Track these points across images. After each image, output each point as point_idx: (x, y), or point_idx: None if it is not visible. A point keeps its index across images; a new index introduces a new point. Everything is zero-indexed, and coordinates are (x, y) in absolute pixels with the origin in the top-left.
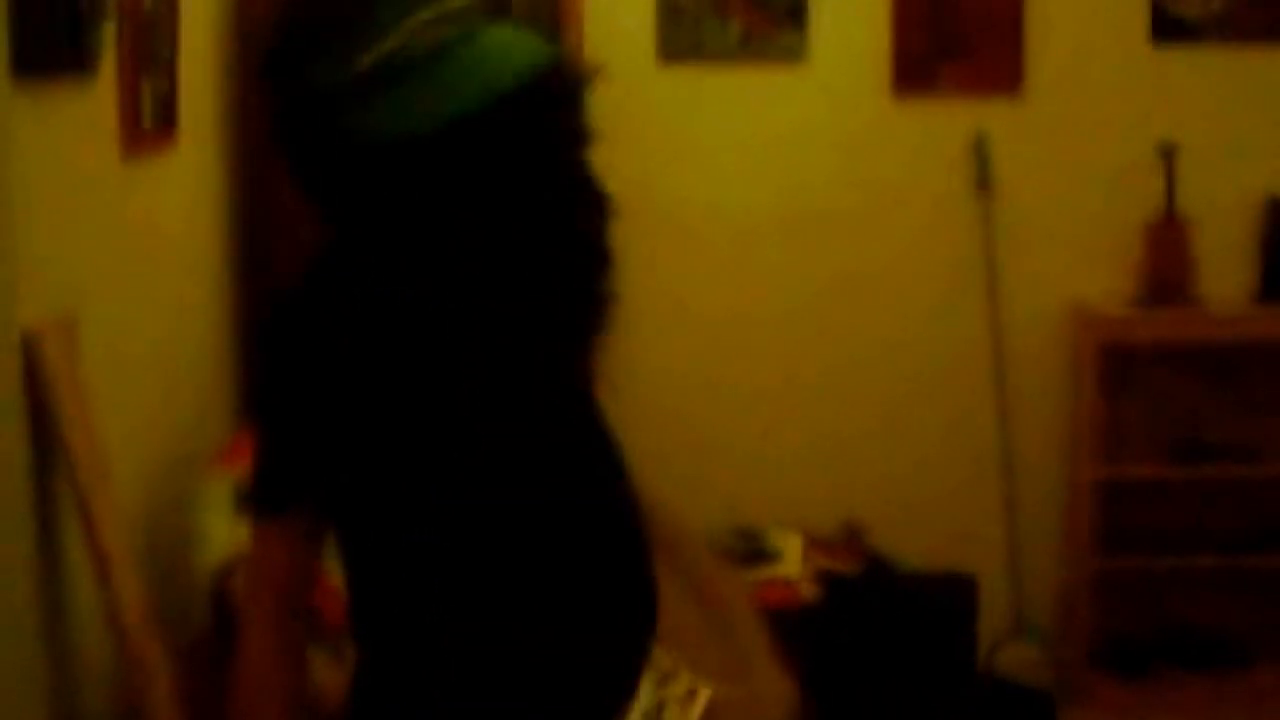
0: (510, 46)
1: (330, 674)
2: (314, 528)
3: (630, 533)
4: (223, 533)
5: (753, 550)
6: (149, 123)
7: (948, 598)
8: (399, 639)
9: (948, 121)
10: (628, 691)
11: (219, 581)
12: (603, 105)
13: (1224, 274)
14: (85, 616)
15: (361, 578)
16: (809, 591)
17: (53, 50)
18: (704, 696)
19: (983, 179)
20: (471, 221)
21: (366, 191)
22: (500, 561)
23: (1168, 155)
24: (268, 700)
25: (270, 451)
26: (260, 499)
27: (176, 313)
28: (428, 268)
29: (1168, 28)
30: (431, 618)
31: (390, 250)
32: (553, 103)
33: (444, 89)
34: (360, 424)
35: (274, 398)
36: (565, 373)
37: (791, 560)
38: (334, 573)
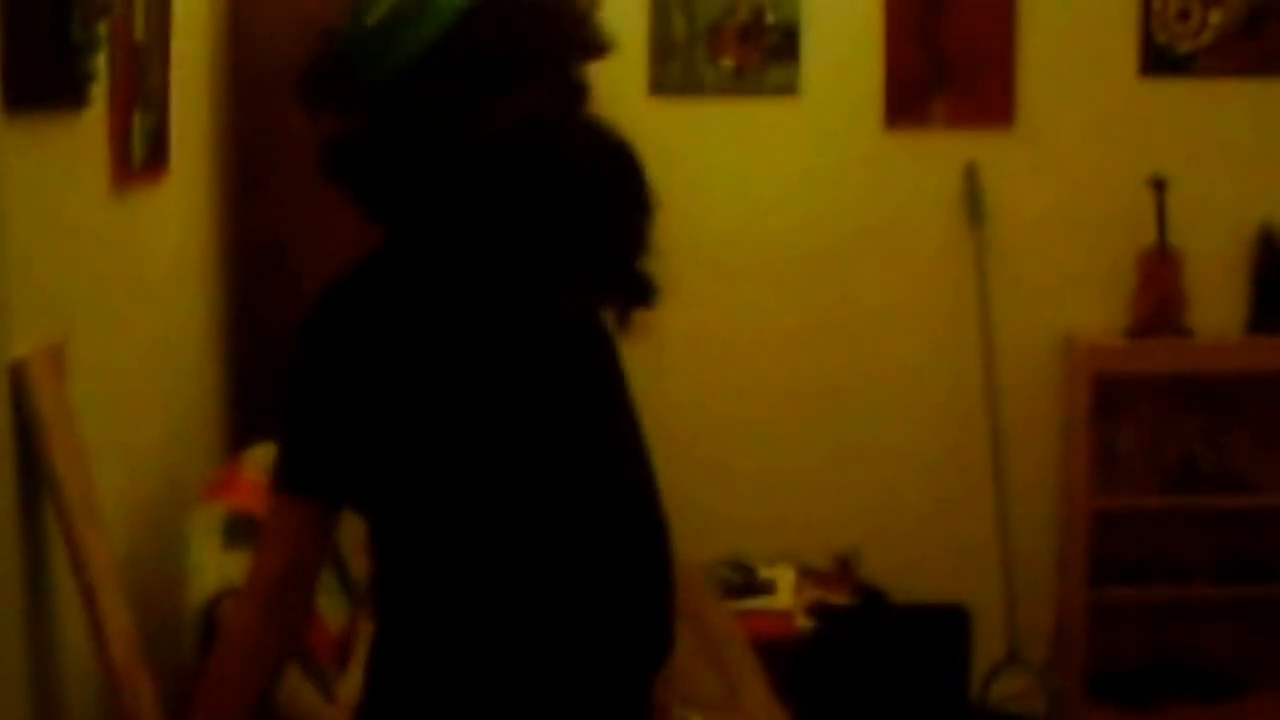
0: None
1: (317, 704)
2: (329, 510)
3: (653, 547)
4: (211, 565)
5: (745, 582)
6: (139, 155)
7: (941, 629)
8: (415, 621)
9: (940, 154)
10: (639, 707)
11: (207, 614)
12: None
13: (1215, 305)
14: (72, 648)
15: (385, 559)
16: (802, 623)
17: (44, 82)
18: None
19: (975, 211)
20: (500, 196)
21: (400, 144)
22: (517, 566)
23: (1159, 187)
24: (249, 660)
25: (298, 431)
26: (283, 474)
27: (166, 345)
28: (462, 267)
29: (1158, 60)
30: (446, 609)
31: (428, 246)
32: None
33: (429, 19)
34: (388, 418)
35: (308, 381)
36: (597, 381)
37: (784, 592)
38: (324, 607)
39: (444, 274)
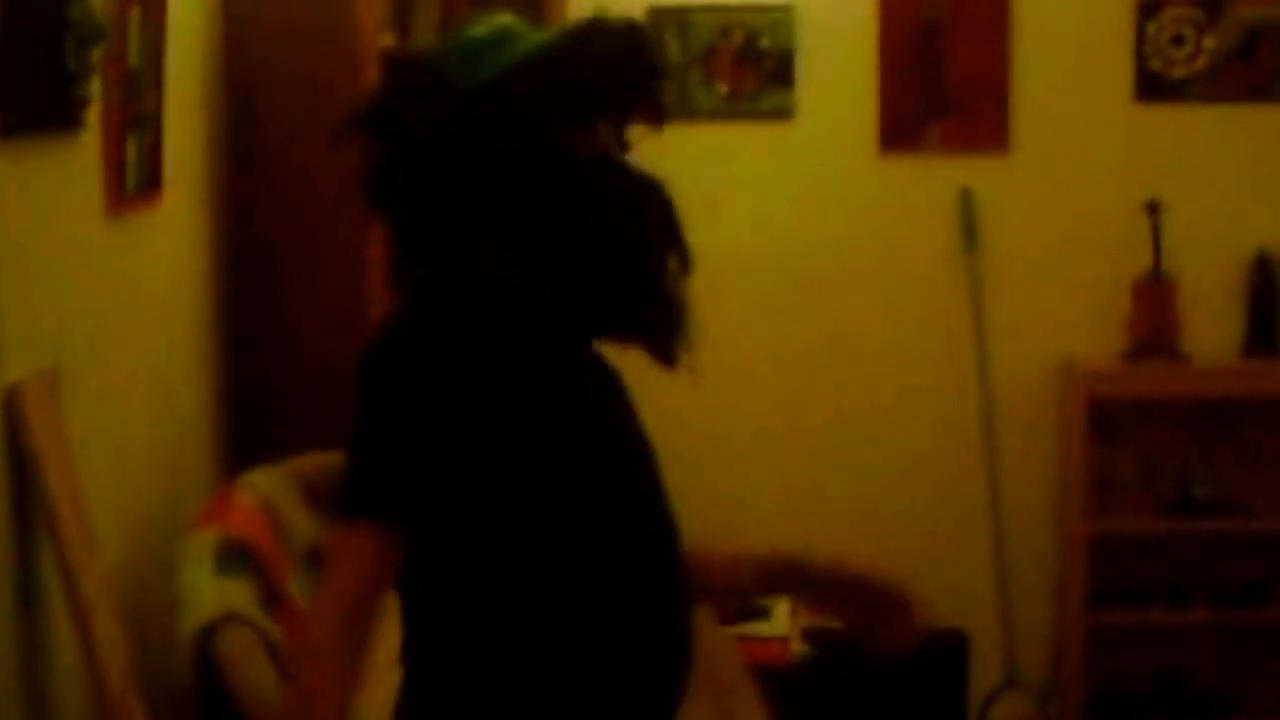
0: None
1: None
2: (396, 539)
3: (684, 581)
4: (204, 591)
5: (741, 607)
6: (134, 180)
7: (939, 653)
8: (446, 668)
9: (935, 179)
10: None
11: (202, 642)
12: None
13: (1211, 329)
14: (66, 675)
15: (418, 601)
16: (798, 648)
17: (38, 107)
18: None
19: (970, 236)
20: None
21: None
22: (560, 606)
23: (1154, 212)
24: (333, 679)
25: (371, 455)
26: (355, 498)
27: (160, 370)
28: (520, 305)
29: (1152, 86)
30: (483, 652)
31: (481, 280)
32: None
33: (534, 39)
34: (456, 449)
35: (382, 411)
36: (631, 416)
37: (780, 617)
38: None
39: (504, 313)
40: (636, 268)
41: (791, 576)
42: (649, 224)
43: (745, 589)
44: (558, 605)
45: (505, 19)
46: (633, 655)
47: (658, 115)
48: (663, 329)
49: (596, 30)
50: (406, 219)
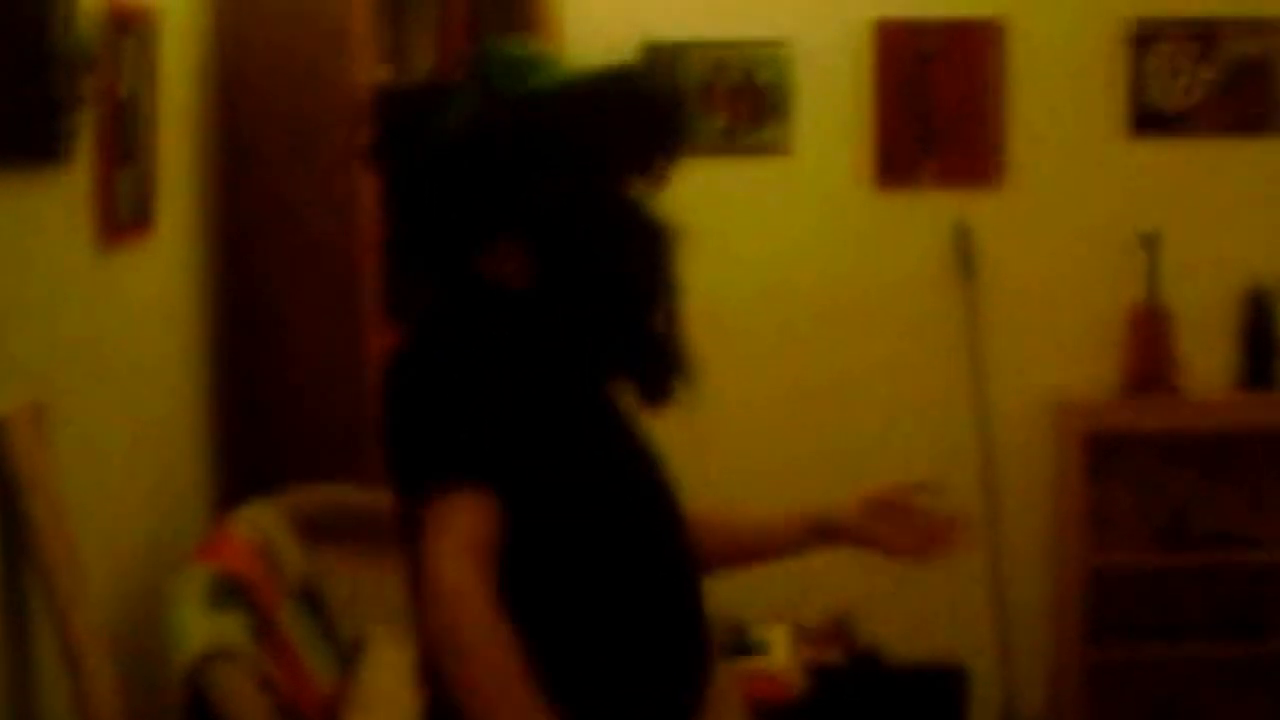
0: None
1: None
2: (495, 512)
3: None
4: (196, 627)
5: (740, 642)
6: (125, 213)
7: (937, 688)
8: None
9: (930, 213)
10: None
11: (193, 677)
12: None
13: (1207, 362)
14: (55, 711)
15: None
16: (797, 683)
17: (25, 137)
18: None
19: (965, 270)
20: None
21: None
22: (605, 621)
23: (1149, 245)
24: (509, 651)
25: (468, 422)
26: (459, 465)
27: (151, 404)
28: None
29: (1147, 119)
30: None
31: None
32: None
33: (563, 68)
34: (532, 432)
35: (468, 376)
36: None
37: (779, 652)
38: (312, 665)
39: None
40: (638, 307)
41: (820, 526)
42: (658, 263)
43: (779, 546)
44: (604, 618)
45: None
46: (668, 659)
47: (664, 175)
48: (654, 369)
49: (640, 76)
50: (433, 217)
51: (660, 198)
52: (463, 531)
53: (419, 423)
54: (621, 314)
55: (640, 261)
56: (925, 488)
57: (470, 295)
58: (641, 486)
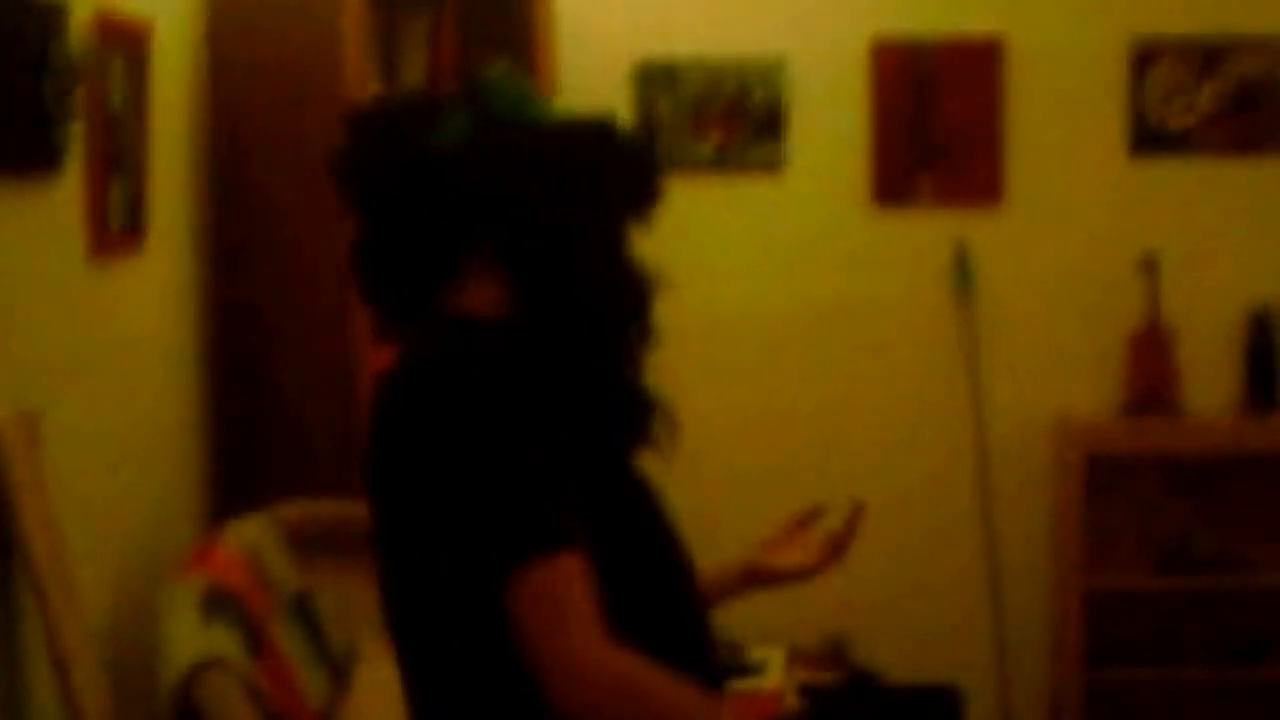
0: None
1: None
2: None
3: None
4: (188, 638)
5: (735, 664)
6: (117, 224)
7: (934, 709)
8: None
9: (928, 232)
10: None
11: (184, 689)
12: None
13: (1208, 384)
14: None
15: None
16: (792, 705)
17: (16, 147)
18: None
19: (964, 289)
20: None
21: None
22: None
23: (1150, 266)
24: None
25: (529, 485)
26: (544, 533)
27: (144, 414)
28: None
29: (1148, 139)
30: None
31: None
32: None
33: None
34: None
35: (507, 434)
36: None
37: (774, 674)
38: (303, 680)
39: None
40: (614, 348)
41: (749, 573)
42: (637, 307)
43: (716, 597)
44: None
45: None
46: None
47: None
48: (632, 425)
49: (620, 132)
50: (414, 233)
51: (651, 226)
52: (582, 609)
53: (468, 494)
54: (596, 355)
55: (619, 302)
56: (817, 511)
57: (448, 326)
58: (657, 527)
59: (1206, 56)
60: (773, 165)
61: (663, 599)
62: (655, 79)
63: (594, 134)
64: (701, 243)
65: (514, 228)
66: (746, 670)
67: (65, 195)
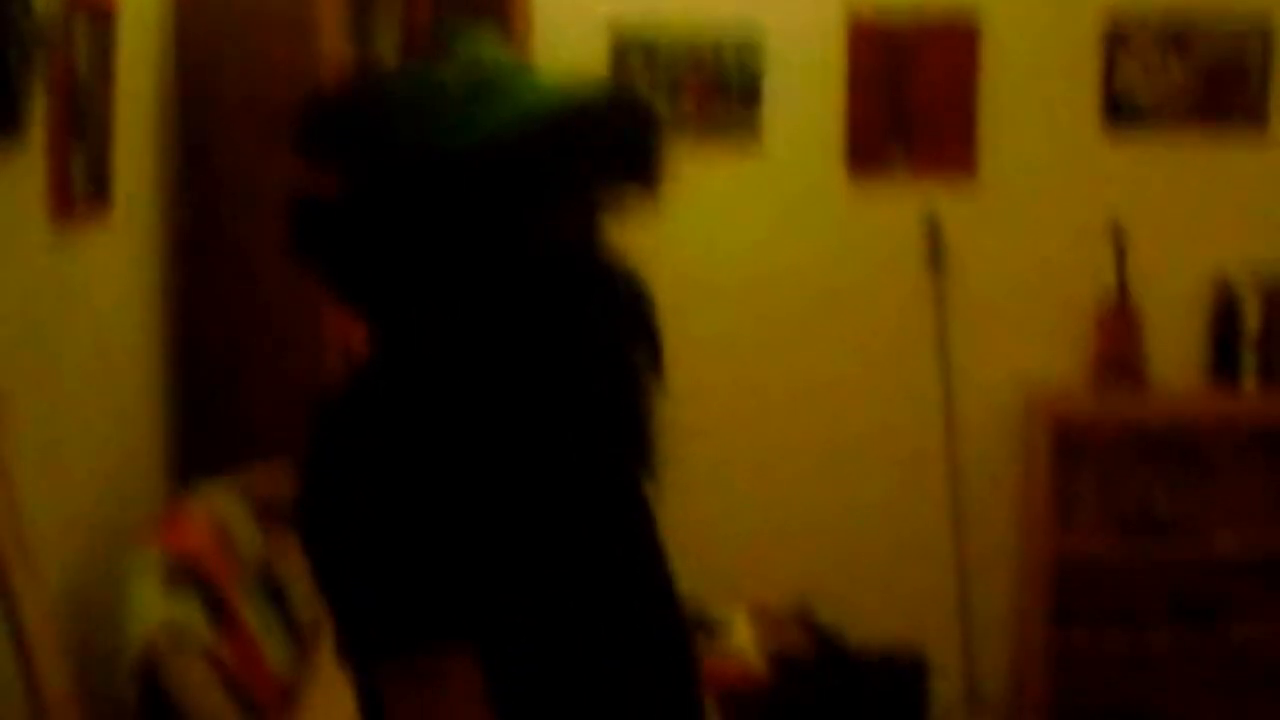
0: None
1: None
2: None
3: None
4: (151, 607)
5: (698, 620)
6: (81, 191)
7: (899, 674)
8: None
9: (901, 204)
10: None
11: (147, 661)
12: None
13: (1174, 355)
14: (5, 693)
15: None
16: (760, 670)
17: None
18: None
19: (936, 260)
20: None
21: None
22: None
23: (1119, 237)
24: None
25: (417, 569)
26: (422, 627)
27: (108, 385)
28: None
29: (1119, 112)
30: None
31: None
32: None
33: (525, 97)
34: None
35: (391, 512)
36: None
37: (742, 639)
38: (265, 646)
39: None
40: (600, 388)
41: None
42: (619, 335)
43: None
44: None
45: (486, 48)
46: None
47: (653, 189)
48: (630, 452)
49: (603, 106)
50: (338, 276)
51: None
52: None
53: (357, 565)
54: (589, 374)
55: (591, 342)
56: None
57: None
58: (640, 566)
59: (1178, 33)
60: (748, 137)
61: (632, 624)
62: (632, 50)
63: (562, 140)
64: (675, 213)
65: (440, 276)
66: (710, 628)
67: (28, 163)
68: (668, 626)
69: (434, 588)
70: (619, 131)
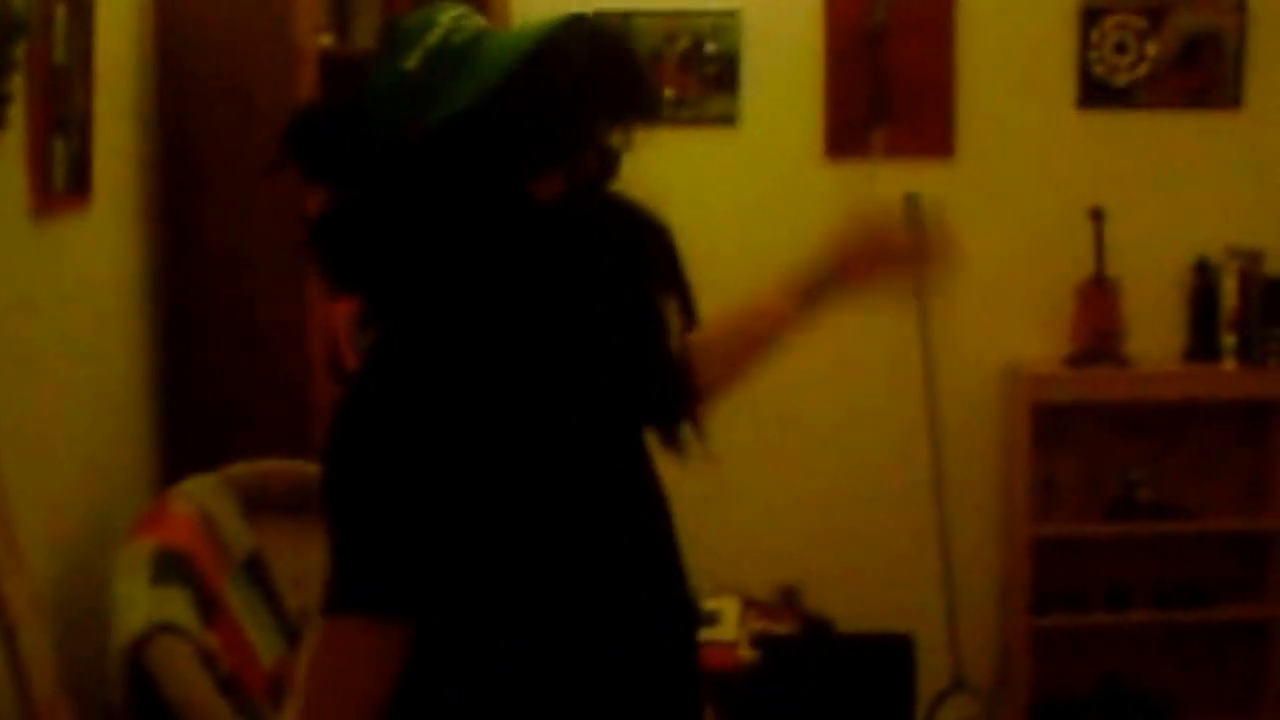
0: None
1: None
2: (408, 634)
3: (694, 635)
4: (139, 601)
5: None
6: (61, 182)
7: (885, 658)
8: None
9: (880, 185)
10: None
11: (135, 653)
12: None
13: (1153, 334)
14: None
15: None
16: (747, 654)
17: None
18: None
19: (915, 242)
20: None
21: (435, 201)
22: (582, 662)
23: (1097, 217)
24: None
25: (374, 543)
26: (359, 593)
27: (91, 376)
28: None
29: (1096, 93)
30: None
31: (452, 329)
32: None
33: (485, 64)
34: (467, 511)
35: (373, 489)
36: (647, 458)
37: (729, 623)
38: (256, 641)
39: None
40: (627, 338)
41: (805, 292)
42: (642, 278)
43: (773, 329)
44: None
45: (454, 16)
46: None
47: (650, 114)
48: (665, 405)
49: (574, 38)
50: (351, 275)
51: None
52: (358, 688)
53: (341, 524)
54: (609, 351)
55: (608, 287)
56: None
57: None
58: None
59: (1154, 11)
60: (727, 118)
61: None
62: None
63: (541, 84)
64: (653, 194)
65: (449, 252)
66: (702, 620)
67: (7, 152)
68: (663, 607)
69: (396, 561)
70: (591, 64)
